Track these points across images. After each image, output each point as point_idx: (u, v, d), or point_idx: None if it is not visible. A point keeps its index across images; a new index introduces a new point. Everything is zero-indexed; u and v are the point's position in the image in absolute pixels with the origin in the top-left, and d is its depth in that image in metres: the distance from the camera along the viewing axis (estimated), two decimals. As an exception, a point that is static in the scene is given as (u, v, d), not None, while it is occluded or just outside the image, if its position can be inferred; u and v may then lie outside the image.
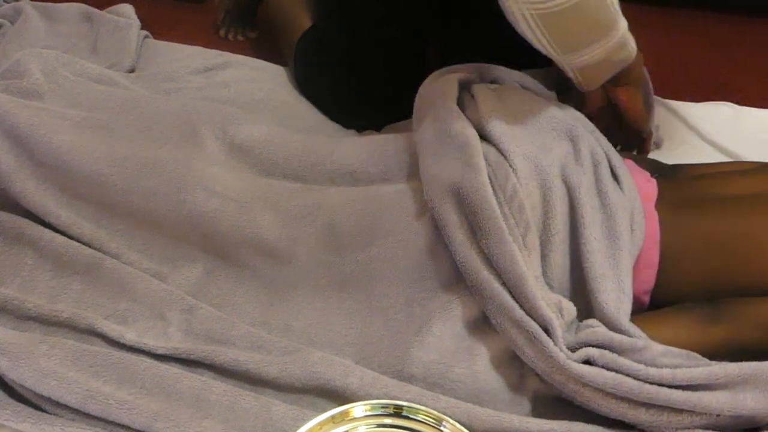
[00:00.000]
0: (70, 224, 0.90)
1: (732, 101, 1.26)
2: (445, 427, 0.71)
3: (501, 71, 0.96)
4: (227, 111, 0.99)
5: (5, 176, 0.91)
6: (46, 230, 0.90)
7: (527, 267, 0.75)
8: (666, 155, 1.14)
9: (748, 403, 0.70)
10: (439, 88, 0.91)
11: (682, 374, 0.70)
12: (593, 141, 0.85)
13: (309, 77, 1.22)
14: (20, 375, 0.74)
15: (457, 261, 0.78)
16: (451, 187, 0.79)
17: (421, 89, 0.93)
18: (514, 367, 0.78)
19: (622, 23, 0.84)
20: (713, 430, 0.71)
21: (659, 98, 1.25)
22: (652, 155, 1.10)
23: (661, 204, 0.87)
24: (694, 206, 0.86)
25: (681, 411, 0.71)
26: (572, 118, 0.87)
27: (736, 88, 1.33)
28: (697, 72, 1.39)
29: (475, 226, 0.78)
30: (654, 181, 0.89)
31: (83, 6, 1.37)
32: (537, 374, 0.76)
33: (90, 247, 0.89)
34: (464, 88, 0.92)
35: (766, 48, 1.44)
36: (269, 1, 1.37)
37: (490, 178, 0.79)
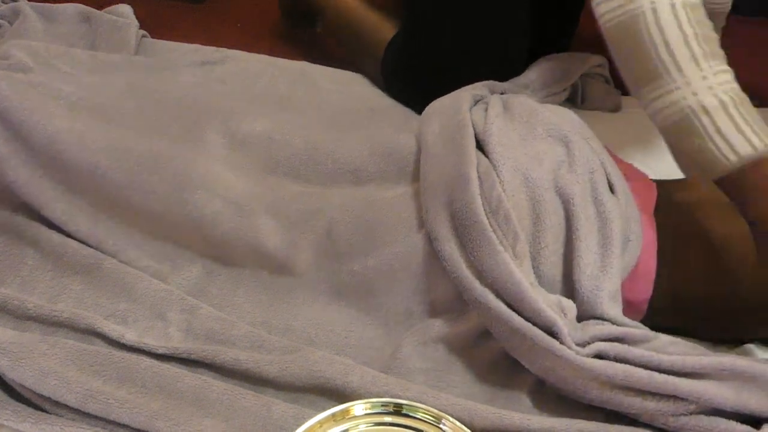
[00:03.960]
0: (66, 220, 0.89)
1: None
2: (444, 425, 0.71)
3: (508, 85, 0.96)
4: (229, 104, 0.98)
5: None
6: (44, 230, 0.90)
7: (522, 274, 0.75)
8: (664, 154, 1.14)
9: (751, 403, 0.71)
10: (451, 97, 0.91)
11: (692, 361, 0.71)
12: (588, 148, 0.84)
13: (401, 86, 1.23)
14: (20, 375, 0.74)
15: (450, 275, 0.78)
16: (444, 200, 0.80)
17: (434, 101, 0.93)
18: (512, 372, 0.79)
19: (700, 96, 0.73)
20: (716, 416, 0.72)
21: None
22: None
23: (659, 209, 0.86)
24: (693, 210, 0.86)
25: (687, 399, 0.71)
26: (568, 123, 0.86)
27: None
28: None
29: (466, 239, 0.77)
30: (653, 185, 0.89)
31: (81, 6, 1.37)
32: (537, 375, 0.77)
33: (87, 244, 0.89)
34: (478, 101, 0.92)
35: (766, 48, 1.44)
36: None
37: (481, 191, 0.79)
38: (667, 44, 0.73)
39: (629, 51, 0.76)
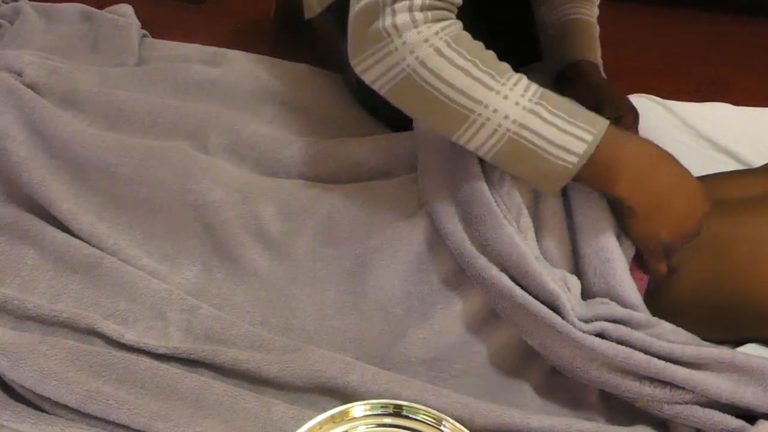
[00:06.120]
0: (70, 219, 0.90)
1: (731, 101, 1.27)
2: (445, 426, 0.72)
3: None
4: (231, 107, 1.01)
5: (15, 166, 0.91)
6: (49, 229, 0.90)
7: (526, 247, 0.75)
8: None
9: (747, 396, 0.72)
10: None
11: (692, 350, 0.72)
12: None
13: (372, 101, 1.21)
14: (20, 375, 0.74)
15: (453, 251, 0.79)
16: (445, 178, 0.81)
17: None
18: (515, 361, 0.80)
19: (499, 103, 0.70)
20: (711, 408, 0.73)
21: (659, 98, 1.26)
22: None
23: None
24: None
25: (683, 387, 0.72)
26: None
27: (736, 88, 1.34)
28: (697, 72, 1.40)
29: (469, 215, 0.78)
30: None
31: (82, 6, 1.37)
32: (537, 369, 0.78)
33: (89, 243, 0.89)
34: None
35: (765, 48, 1.44)
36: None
37: (482, 167, 0.80)
38: (453, 86, 0.70)
39: (422, 108, 0.73)
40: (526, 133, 0.70)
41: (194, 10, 1.58)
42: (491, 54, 0.73)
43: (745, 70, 1.36)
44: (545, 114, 0.70)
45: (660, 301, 0.82)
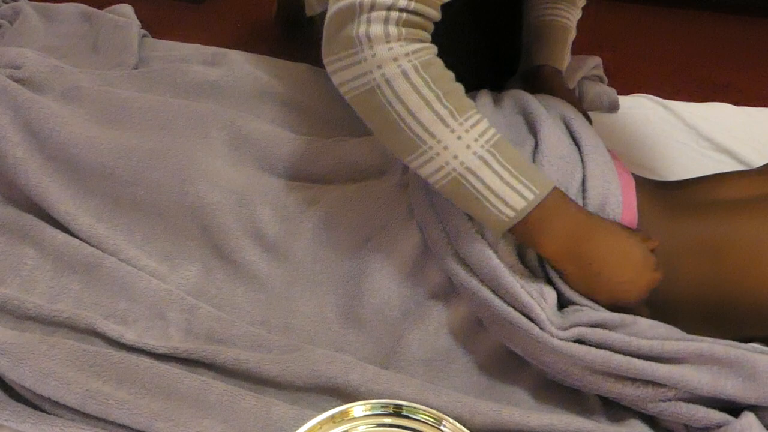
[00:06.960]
0: (69, 221, 0.90)
1: (732, 101, 1.27)
2: (444, 426, 0.72)
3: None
4: (231, 105, 1.02)
5: (12, 168, 0.91)
6: (48, 229, 0.90)
7: (500, 259, 0.76)
8: (663, 154, 1.15)
9: (728, 389, 0.72)
10: None
11: (670, 346, 0.72)
12: (564, 136, 0.85)
13: None
14: (20, 375, 0.74)
15: (438, 262, 0.80)
16: (429, 191, 0.81)
17: None
18: (511, 359, 0.80)
19: (453, 142, 0.70)
20: (695, 403, 0.73)
21: (658, 98, 1.26)
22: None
23: (655, 208, 0.86)
24: (689, 211, 0.86)
25: (665, 384, 0.73)
26: (560, 106, 0.87)
27: (736, 88, 1.34)
28: (697, 72, 1.40)
29: (447, 227, 0.79)
30: (632, 178, 0.89)
31: (82, 6, 1.37)
32: (532, 366, 0.78)
33: (88, 244, 0.89)
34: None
35: (766, 48, 1.44)
36: None
37: None
38: (412, 113, 0.69)
39: (379, 123, 0.72)
40: (470, 178, 0.71)
41: (194, 10, 1.58)
42: (458, 87, 0.73)
43: (745, 70, 1.36)
44: (493, 163, 0.71)
45: (659, 301, 0.82)
